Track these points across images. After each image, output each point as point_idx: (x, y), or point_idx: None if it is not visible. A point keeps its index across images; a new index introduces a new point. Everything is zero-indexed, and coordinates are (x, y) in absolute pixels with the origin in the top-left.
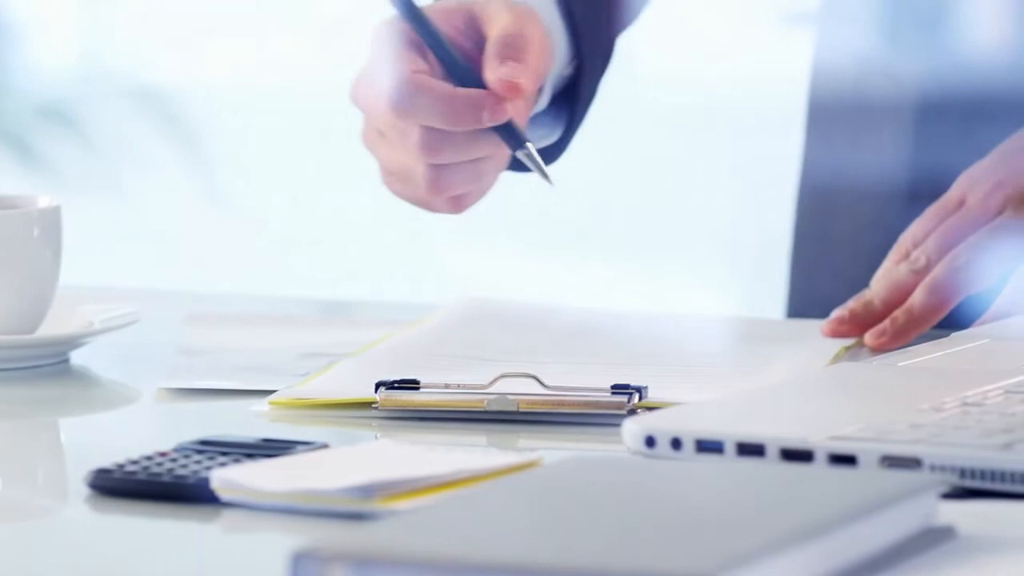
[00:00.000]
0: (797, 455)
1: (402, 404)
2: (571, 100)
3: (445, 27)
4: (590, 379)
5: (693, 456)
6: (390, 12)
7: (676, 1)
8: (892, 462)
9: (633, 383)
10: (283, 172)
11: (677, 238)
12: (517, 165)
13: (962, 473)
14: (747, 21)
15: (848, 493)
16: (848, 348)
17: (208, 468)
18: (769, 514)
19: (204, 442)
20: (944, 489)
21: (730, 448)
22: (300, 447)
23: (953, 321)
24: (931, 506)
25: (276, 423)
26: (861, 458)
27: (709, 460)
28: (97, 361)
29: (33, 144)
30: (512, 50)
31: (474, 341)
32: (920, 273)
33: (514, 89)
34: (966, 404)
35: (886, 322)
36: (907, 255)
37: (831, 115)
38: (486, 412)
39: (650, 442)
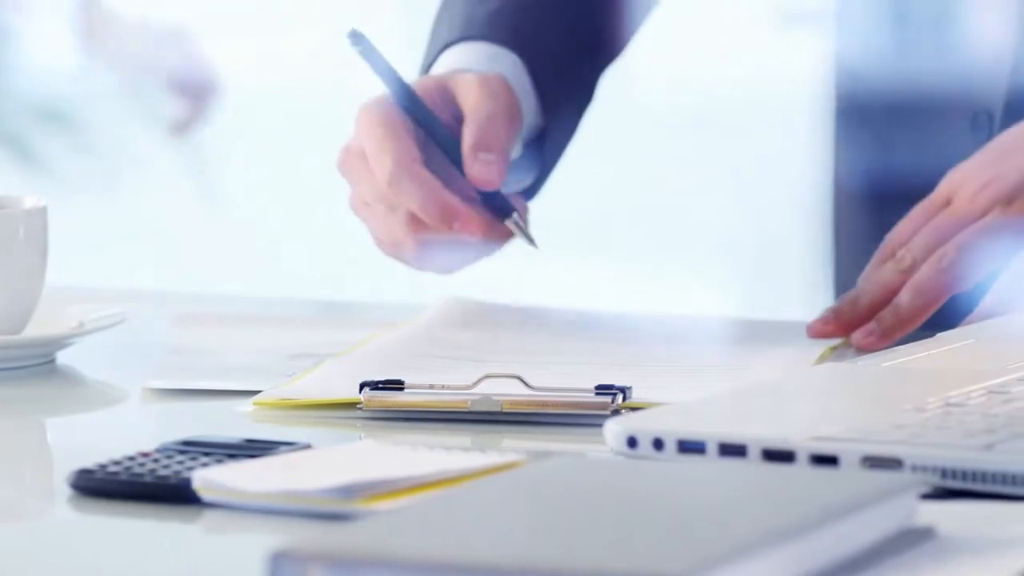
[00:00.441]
0: (779, 455)
1: (386, 404)
2: (542, 146)
3: (426, 103)
4: (575, 380)
5: (675, 456)
6: (379, 88)
7: (675, 1)
8: (873, 462)
9: (618, 383)
10: (281, 172)
11: (677, 238)
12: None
13: (943, 473)
14: (747, 21)
15: (827, 493)
16: (834, 348)
17: (190, 468)
18: (747, 515)
19: (187, 442)
20: (925, 489)
21: (712, 448)
22: (283, 447)
23: (939, 321)
24: (911, 506)
25: (260, 424)
26: (842, 458)
27: (691, 460)
28: (84, 361)
29: (31, 144)
30: (484, 140)
31: (460, 342)
32: (906, 272)
33: (490, 183)
34: (949, 404)
35: (872, 322)
36: (893, 254)
37: (861, 114)
38: (470, 412)
39: (632, 442)
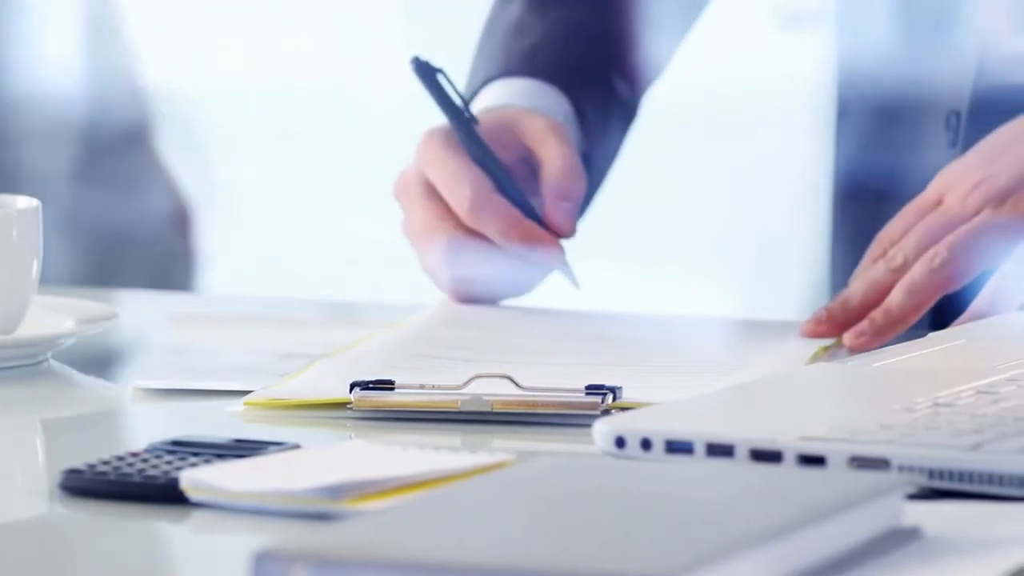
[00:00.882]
0: (766, 456)
1: (377, 404)
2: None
3: (491, 143)
4: (566, 380)
5: (663, 457)
6: (439, 119)
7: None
8: (861, 463)
9: (609, 384)
10: (285, 173)
11: (676, 238)
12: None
13: (930, 474)
14: (747, 21)
15: (813, 493)
16: (826, 348)
17: (178, 468)
18: (733, 515)
19: (176, 442)
20: (911, 490)
21: (700, 449)
22: (272, 448)
23: (931, 321)
24: (897, 507)
25: (251, 424)
26: (830, 459)
27: (678, 461)
28: (76, 361)
29: None
30: (565, 189)
31: (453, 342)
32: (897, 272)
33: (568, 231)
34: (937, 405)
35: (864, 322)
36: (884, 253)
37: (862, 113)
38: (461, 412)
39: (620, 443)
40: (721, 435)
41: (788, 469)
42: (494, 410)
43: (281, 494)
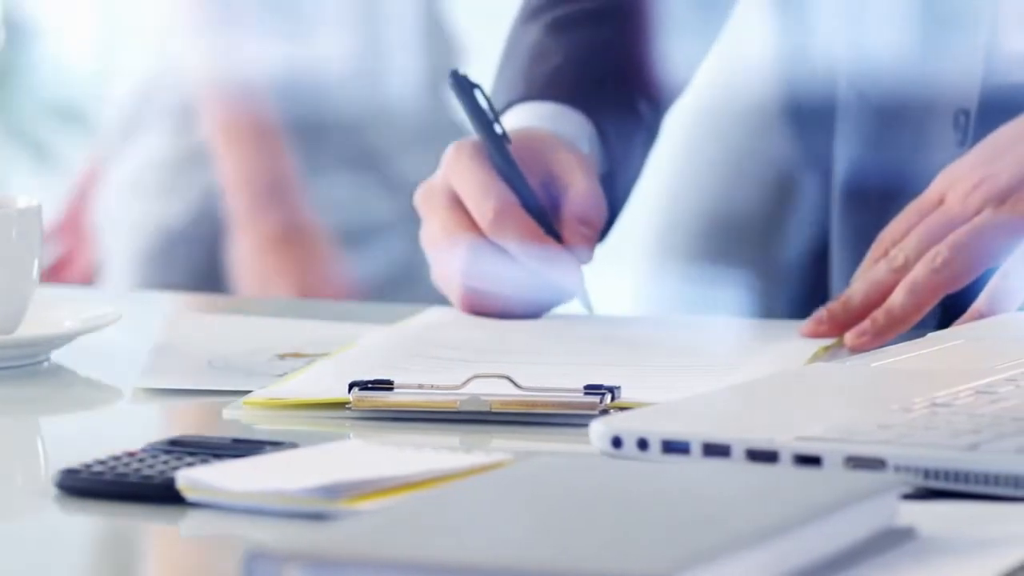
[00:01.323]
0: (763, 455)
1: (375, 404)
2: (608, 189)
3: (521, 165)
4: (566, 380)
5: (659, 457)
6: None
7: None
8: (857, 463)
9: (608, 383)
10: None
11: (675, 238)
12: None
13: (927, 474)
14: (746, 22)
15: (808, 493)
16: (827, 348)
17: (175, 468)
18: (728, 515)
19: (173, 442)
20: (906, 490)
21: (696, 448)
22: (269, 447)
23: (939, 320)
24: (892, 507)
25: (250, 424)
26: (826, 459)
27: (675, 461)
28: (77, 361)
29: (48, 143)
30: (587, 214)
31: (453, 342)
32: (898, 271)
33: (588, 257)
34: (935, 405)
35: (866, 322)
36: (886, 253)
37: (869, 112)
38: (459, 412)
39: (617, 442)
40: (717, 435)
41: (784, 469)
42: (493, 410)
43: (277, 494)
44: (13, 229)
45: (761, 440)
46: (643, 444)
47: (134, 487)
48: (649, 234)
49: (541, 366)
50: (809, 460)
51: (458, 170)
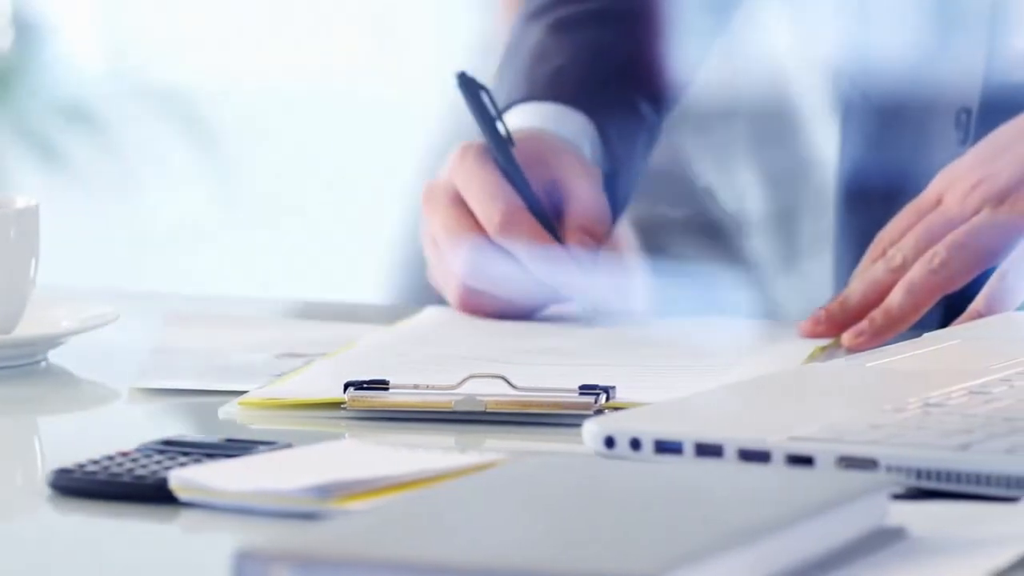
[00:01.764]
0: (755, 456)
1: (370, 404)
2: (609, 189)
3: (525, 169)
4: (561, 380)
5: (652, 457)
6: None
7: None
8: (849, 463)
9: (603, 384)
10: (299, 174)
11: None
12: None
13: (918, 474)
14: (747, 21)
15: (798, 493)
16: (824, 348)
17: (168, 468)
18: (717, 514)
19: (167, 442)
20: (897, 490)
21: (688, 449)
22: (262, 447)
23: (940, 321)
24: (883, 507)
25: (245, 424)
26: (818, 459)
27: (667, 461)
28: (74, 361)
29: (56, 144)
30: (590, 224)
31: (450, 342)
32: (896, 272)
33: (590, 264)
34: (928, 405)
35: (864, 322)
36: (884, 253)
37: (870, 111)
38: (454, 413)
39: (609, 443)
40: (710, 435)
41: (775, 469)
42: (488, 410)
43: (269, 494)
44: (12, 229)
45: (753, 440)
46: (636, 444)
47: (127, 487)
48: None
49: (538, 366)
50: (801, 460)
51: (464, 171)
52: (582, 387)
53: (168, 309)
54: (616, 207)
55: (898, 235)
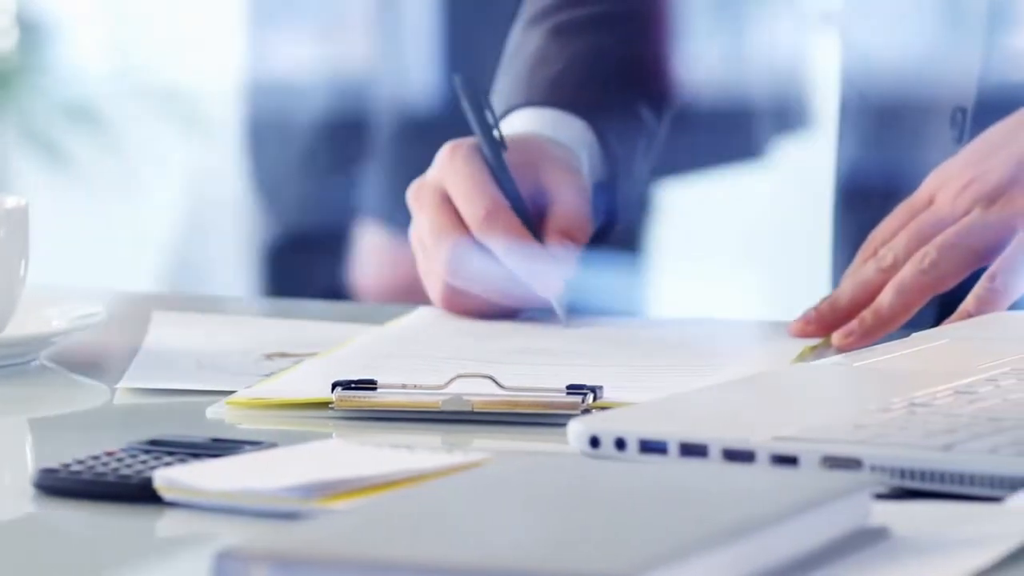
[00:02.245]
0: (739, 455)
1: (358, 404)
2: (607, 192)
3: (514, 171)
4: (550, 380)
5: (637, 457)
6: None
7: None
8: (833, 463)
9: (591, 383)
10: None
11: (673, 238)
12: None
13: (902, 474)
14: (772, 21)
15: (779, 493)
16: (814, 348)
17: (153, 468)
18: (697, 515)
19: (152, 442)
20: (879, 489)
21: (673, 448)
22: (248, 447)
23: (928, 320)
24: (865, 506)
25: (233, 423)
26: (802, 458)
27: (651, 461)
28: (64, 361)
29: (60, 144)
30: (570, 229)
31: (440, 342)
32: (887, 271)
33: (568, 269)
34: (914, 405)
35: (854, 322)
36: (876, 253)
37: (866, 111)
38: (442, 412)
39: (594, 442)
40: (695, 435)
41: (758, 469)
42: (475, 410)
43: (252, 493)
44: (1, 229)
45: (738, 440)
46: (621, 444)
47: (112, 487)
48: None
49: (527, 366)
50: (785, 460)
51: (452, 170)
52: (569, 387)
53: (154, 309)
54: (616, 211)
55: (890, 235)
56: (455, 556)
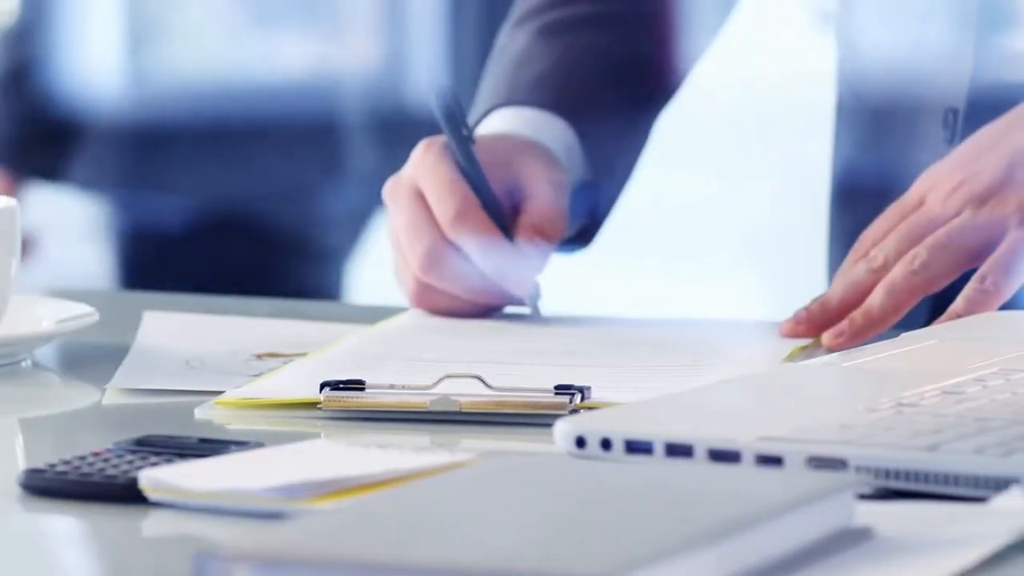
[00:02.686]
0: (725, 456)
1: (346, 405)
2: (590, 193)
3: (487, 169)
4: (538, 380)
5: (623, 457)
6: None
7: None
8: (819, 463)
9: (579, 384)
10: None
11: (673, 237)
12: None
13: (887, 474)
14: (774, 20)
15: (763, 493)
16: (804, 348)
17: (139, 468)
18: (681, 515)
19: (139, 442)
20: (863, 490)
21: (659, 449)
22: (234, 447)
23: (920, 320)
24: (849, 507)
25: (222, 424)
26: (787, 459)
27: (637, 461)
28: (54, 361)
29: None
30: (543, 227)
31: (429, 343)
32: (877, 272)
33: (540, 266)
34: (901, 405)
35: (844, 323)
36: (866, 254)
37: (860, 112)
38: (430, 413)
39: (580, 442)
40: (680, 435)
41: (743, 469)
42: (463, 410)
43: (238, 493)
44: None
45: (723, 440)
46: (606, 444)
47: (97, 487)
48: (645, 234)
49: (516, 366)
50: (771, 460)
51: (425, 167)
52: (557, 387)
53: (145, 309)
54: (600, 211)
55: (881, 235)
56: (440, 556)
